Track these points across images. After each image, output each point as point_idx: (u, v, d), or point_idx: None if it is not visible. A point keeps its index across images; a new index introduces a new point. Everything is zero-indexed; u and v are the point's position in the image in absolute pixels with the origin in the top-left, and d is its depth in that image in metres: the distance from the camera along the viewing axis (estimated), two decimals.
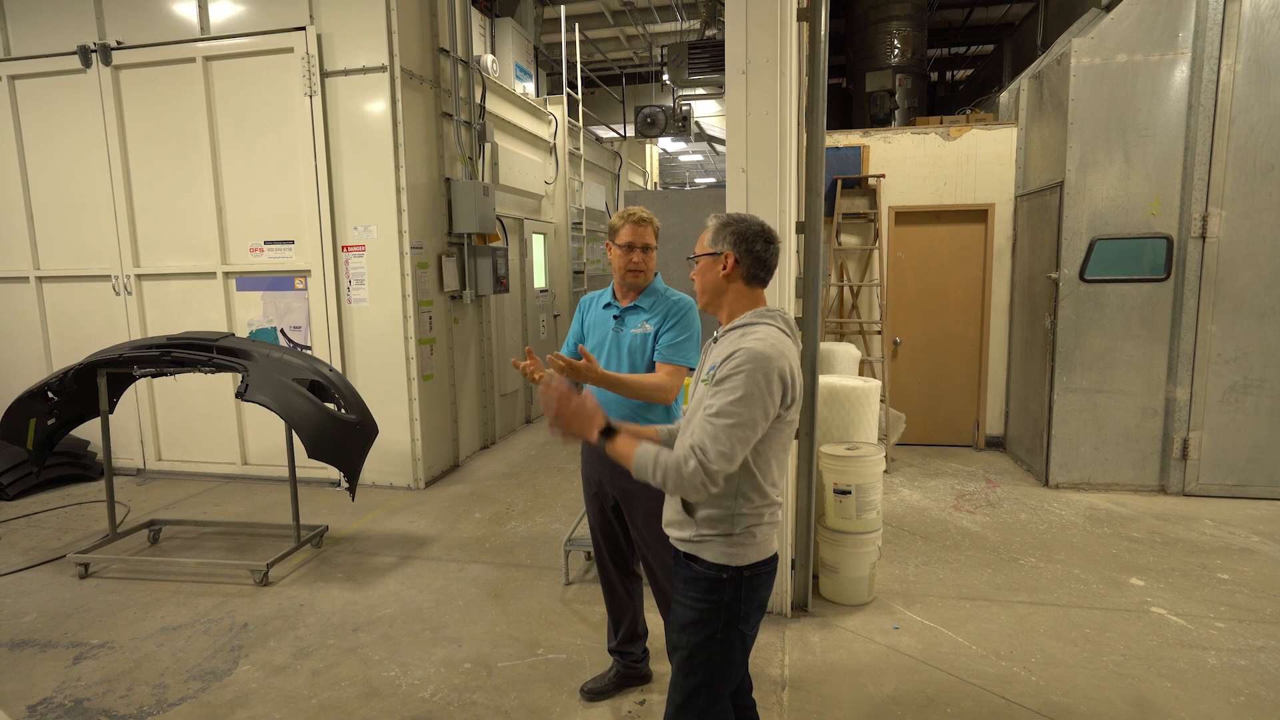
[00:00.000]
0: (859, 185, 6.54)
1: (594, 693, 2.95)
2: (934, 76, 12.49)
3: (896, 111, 8.22)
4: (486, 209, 6.36)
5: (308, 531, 4.59)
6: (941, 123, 6.63)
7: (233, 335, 4.33)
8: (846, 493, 3.62)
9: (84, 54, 5.82)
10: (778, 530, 1.89)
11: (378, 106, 5.47)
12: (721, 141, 13.23)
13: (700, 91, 10.25)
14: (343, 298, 5.75)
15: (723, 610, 1.80)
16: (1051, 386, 5.47)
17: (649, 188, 13.65)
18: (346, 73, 5.47)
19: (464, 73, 6.39)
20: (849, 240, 6.71)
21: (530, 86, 8.59)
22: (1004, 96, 6.81)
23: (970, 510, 5.07)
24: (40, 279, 6.33)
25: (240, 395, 3.79)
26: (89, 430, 6.30)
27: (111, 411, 4.55)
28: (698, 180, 22.21)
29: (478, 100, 6.60)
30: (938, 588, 3.89)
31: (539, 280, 8.37)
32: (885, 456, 4.29)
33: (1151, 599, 3.72)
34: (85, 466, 6.20)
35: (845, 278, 6.72)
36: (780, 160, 3.25)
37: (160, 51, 5.72)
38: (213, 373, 4.09)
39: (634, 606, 2.98)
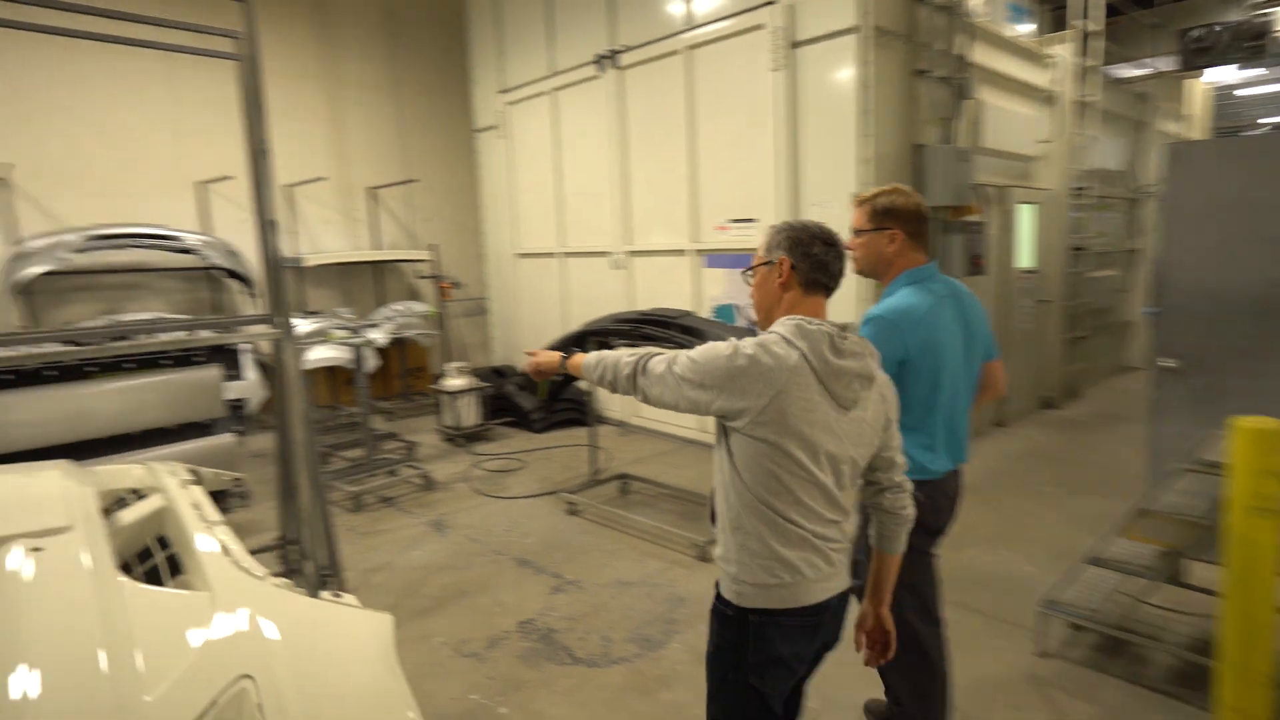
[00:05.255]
0: None
1: None
2: None
3: None
4: (962, 177, 5.47)
5: None
6: None
7: (691, 314, 4.51)
8: None
9: (599, 61, 6.75)
10: (816, 581, 1.63)
11: (844, 72, 5.07)
12: None
13: None
14: None
15: (730, 652, 1.67)
16: None
17: (1196, 136, 10.49)
18: (814, 40, 5.20)
19: (944, 21, 5.55)
20: None
21: (1027, 26, 7.18)
22: None
23: None
24: (565, 254, 7.70)
25: None
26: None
27: (564, 389, 5.20)
28: (1261, 121, 16.53)
29: (958, 52, 5.69)
30: None
31: (1024, 259, 7.04)
32: None
33: None
34: (585, 414, 7.39)
35: None
36: None
37: (653, 49, 6.29)
38: (673, 348, 4.30)
39: None
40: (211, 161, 7.34)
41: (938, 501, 2.24)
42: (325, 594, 1.43)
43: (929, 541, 2.30)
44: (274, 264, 3.12)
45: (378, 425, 7.19)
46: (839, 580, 1.68)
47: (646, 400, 1.68)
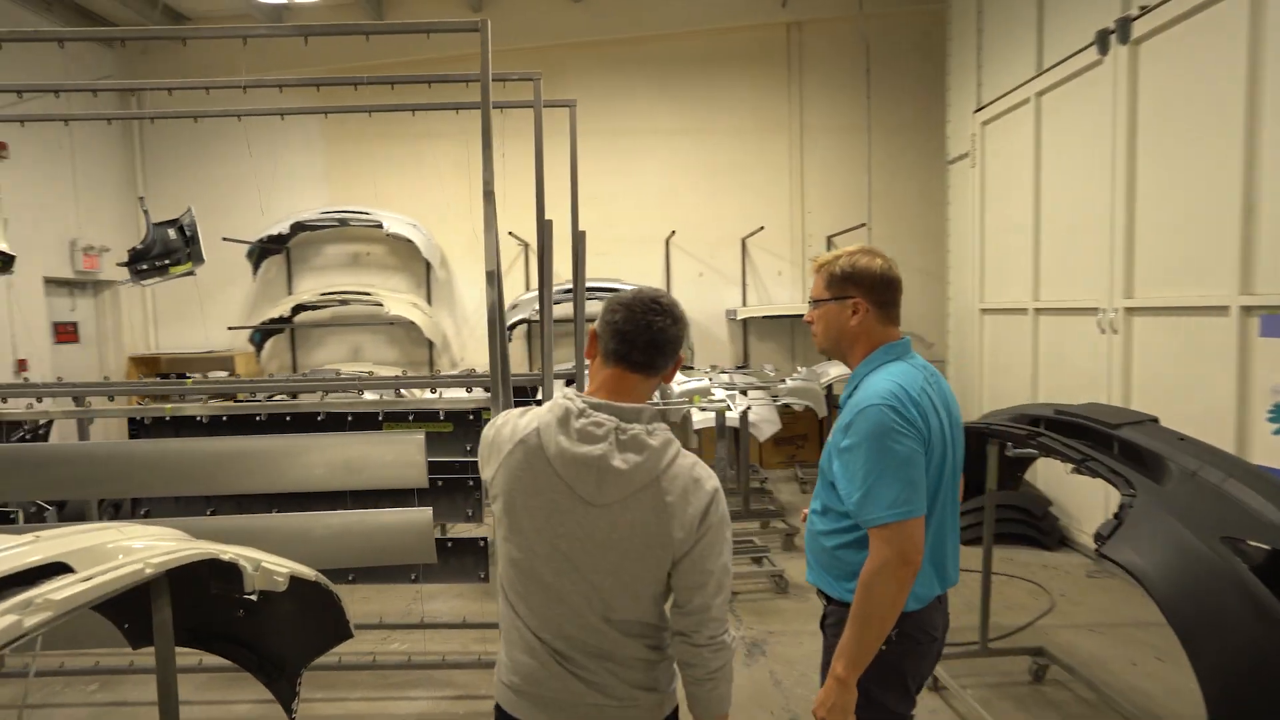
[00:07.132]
0: None
1: None
2: None
3: None
4: None
5: None
6: None
7: (1153, 423, 2.54)
8: None
9: (1101, 40, 4.75)
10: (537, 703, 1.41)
11: None
12: None
13: None
14: None
15: None
16: None
17: None
18: None
19: None
20: None
21: None
22: None
23: None
24: (1037, 310, 5.73)
25: (1099, 540, 2.09)
26: (1064, 487, 5.41)
27: (1015, 487, 3.52)
28: None
29: None
30: None
31: None
32: None
33: None
34: (1041, 530, 5.28)
35: None
36: None
37: None
38: (1082, 474, 2.47)
39: None
40: (672, 219, 7.84)
41: (919, 642, 1.71)
42: None
43: (904, 699, 1.71)
44: (495, 317, 2.77)
45: (784, 496, 6.48)
46: None
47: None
